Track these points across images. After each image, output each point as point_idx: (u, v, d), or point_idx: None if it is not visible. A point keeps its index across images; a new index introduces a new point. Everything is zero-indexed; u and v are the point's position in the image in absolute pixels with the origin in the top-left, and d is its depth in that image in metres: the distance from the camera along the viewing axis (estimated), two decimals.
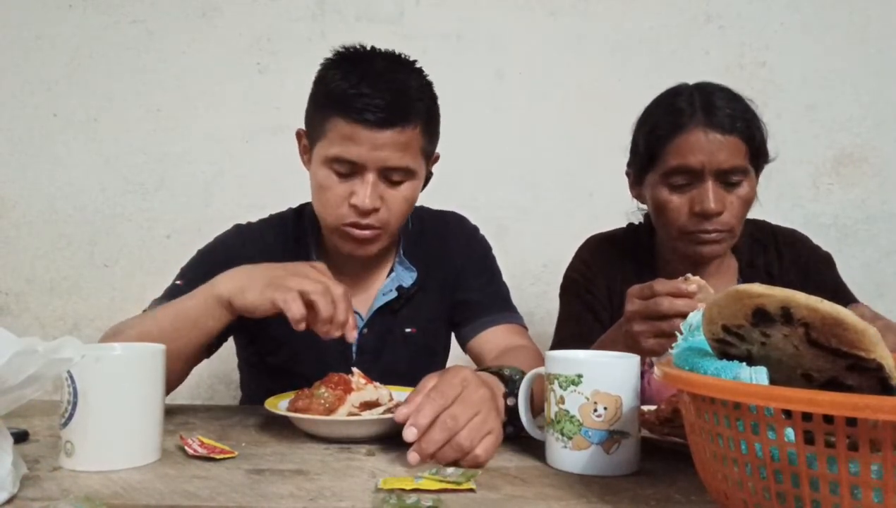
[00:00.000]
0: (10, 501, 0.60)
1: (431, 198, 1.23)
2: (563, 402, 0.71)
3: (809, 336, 0.50)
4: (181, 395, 1.84)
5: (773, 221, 1.29)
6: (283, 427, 0.88)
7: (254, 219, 1.23)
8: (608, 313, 1.23)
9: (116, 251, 1.88)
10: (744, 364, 0.53)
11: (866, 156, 1.87)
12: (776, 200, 1.76)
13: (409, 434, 0.70)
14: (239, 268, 0.92)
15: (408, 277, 1.18)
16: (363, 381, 0.88)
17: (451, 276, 1.21)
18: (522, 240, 1.84)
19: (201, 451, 0.74)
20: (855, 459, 0.43)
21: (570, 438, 0.70)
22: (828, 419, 0.43)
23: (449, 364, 1.23)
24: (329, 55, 1.09)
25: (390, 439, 0.80)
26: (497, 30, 1.88)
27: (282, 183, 1.71)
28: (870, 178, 1.87)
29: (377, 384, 0.89)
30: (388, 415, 0.80)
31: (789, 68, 1.87)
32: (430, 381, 0.76)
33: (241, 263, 0.91)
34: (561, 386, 0.71)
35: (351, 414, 0.84)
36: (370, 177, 1.02)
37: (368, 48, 1.08)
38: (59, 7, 1.88)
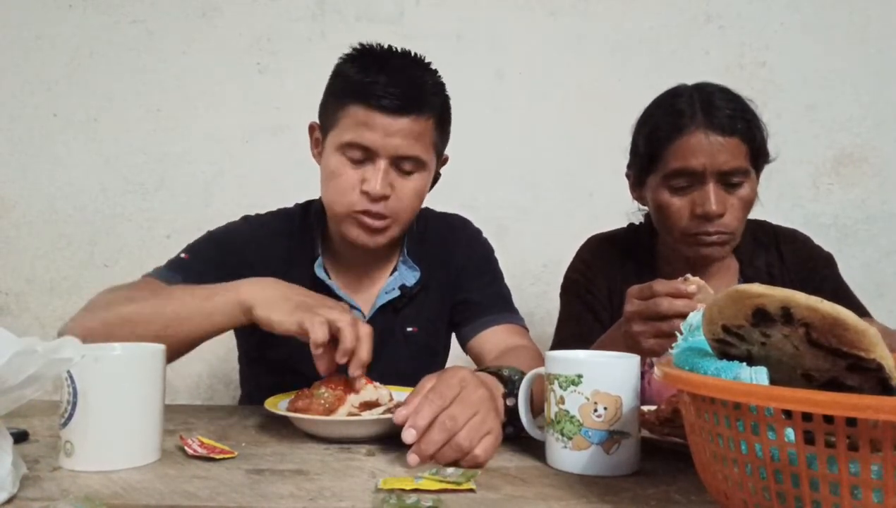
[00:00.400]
0: (9, 501, 0.60)
1: (431, 197, 1.23)
2: (563, 402, 0.71)
3: (809, 336, 0.50)
4: (181, 395, 1.85)
5: (774, 221, 1.28)
6: (282, 428, 0.88)
7: None
8: (608, 313, 1.23)
9: (116, 251, 1.88)
10: (744, 364, 0.53)
11: (866, 156, 1.87)
12: (776, 200, 1.76)
13: (409, 435, 0.70)
14: (266, 280, 0.93)
15: (411, 276, 1.18)
16: (363, 381, 0.88)
17: (453, 277, 1.21)
18: (522, 240, 1.84)
19: (201, 451, 0.74)
20: (855, 459, 0.43)
21: (570, 438, 0.70)
22: (828, 419, 0.43)
23: (449, 364, 1.23)
24: (329, 55, 1.09)
25: (390, 439, 0.80)
26: (497, 30, 1.88)
27: (282, 183, 1.72)
28: (870, 178, 1.87)
29: (377, 384, 0.89)
30: (388, 415, 0.80)
31: (789, 68, 1.87)
32: (428, 382, 0.76)
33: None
34: (561, 387, 0.71)
35: (351, 414, 0.84)
36: (382, 164, 1.04)
37: (386, 46, 1.09)
38: (59, 7, 1.88)
